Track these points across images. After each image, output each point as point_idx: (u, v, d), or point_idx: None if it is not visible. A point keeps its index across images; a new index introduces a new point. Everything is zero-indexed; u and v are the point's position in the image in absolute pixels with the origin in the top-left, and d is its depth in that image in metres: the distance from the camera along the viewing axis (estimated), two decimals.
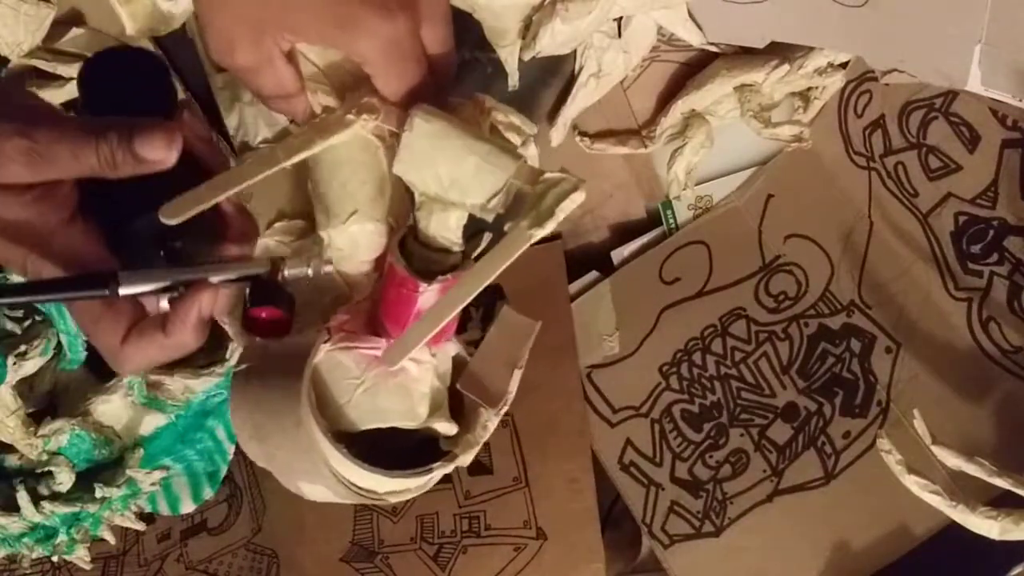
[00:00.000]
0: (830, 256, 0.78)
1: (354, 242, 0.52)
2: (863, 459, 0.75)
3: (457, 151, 0.46)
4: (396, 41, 0.47)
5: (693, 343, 0.82)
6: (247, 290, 0.48)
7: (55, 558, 0.89)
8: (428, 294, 0.48)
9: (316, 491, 0.53)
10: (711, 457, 0.79)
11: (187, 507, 0.90)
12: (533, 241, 0.45)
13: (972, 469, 0.61)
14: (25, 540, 0.84)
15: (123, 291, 0.45)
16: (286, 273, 0.49)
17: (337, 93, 0.50)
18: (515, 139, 0.50)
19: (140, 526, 0.89)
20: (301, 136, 0.49)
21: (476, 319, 0.71)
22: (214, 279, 0.47)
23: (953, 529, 0.63)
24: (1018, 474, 0.60)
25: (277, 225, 0.53)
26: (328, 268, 0.49)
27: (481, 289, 0.46)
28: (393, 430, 0.53)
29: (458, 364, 0.57)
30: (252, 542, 0.91)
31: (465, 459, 0.55)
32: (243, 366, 0.52)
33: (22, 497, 0.81)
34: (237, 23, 0.47)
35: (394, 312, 0.50)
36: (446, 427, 0.55)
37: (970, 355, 0.71)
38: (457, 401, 0.57)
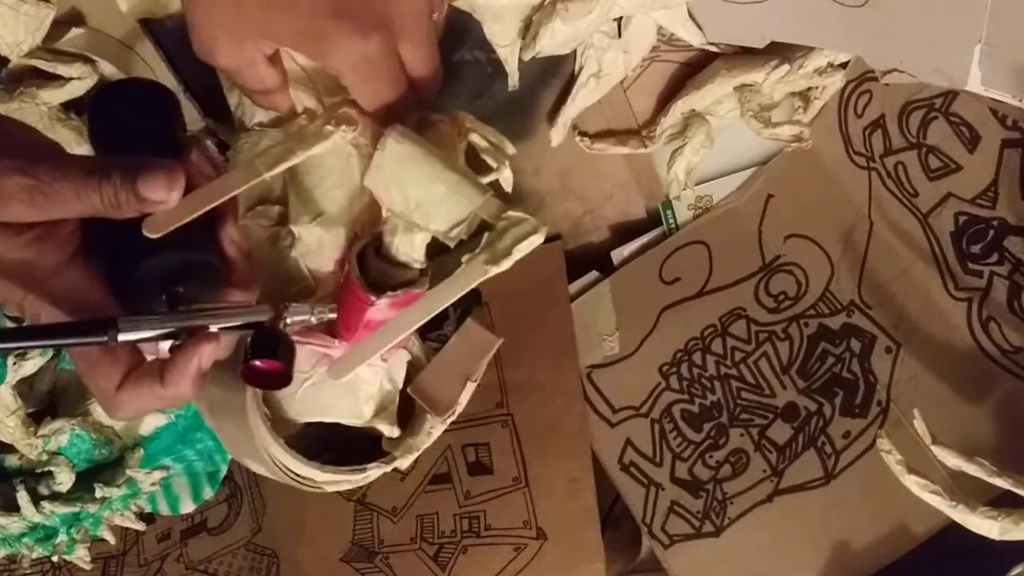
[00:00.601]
0: (830, 256, 0.78)
1: (320, 241, 0.53)
2: (863, 459, 0.74)
3: (425, 177, 0.47)
4: (368, 60, 0.48)
5: (693, 343, 0.82)
6: (248, 339, 0.47)
7: (55, 558, 0.89)
8: (379, 307, 0.49)
9: (262, 471, 0.55)
10: (711, 457, 0.79)
11: (187, 507, 0.90)
12: (487, 277, 0.46)
13: (972, 469, 0.61)
14: (25, 540, 0.84)
15: (122, 337, 0.44)
16: (288, 321, 0.48)
17: (319, 95, 0.51)
18: (492, 162, 0.51)
19: (140, 526, 0.89)
20: (281, 147, 0.50)
21: (453, 319, 0.71)
22: (215, 326, 0.46)
23: (953, 529, 0.63)
24: (1018, 474, 0.60)
25: (258, 208, 0.54)
26: (332, 316, 0.49)
27: (431, 317, 0.47)
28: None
29: (415, 367, 0.59)
30: (252, 542, 0.91)
31: (403, 462, 0.57)
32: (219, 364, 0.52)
33: (22, 497, 0.81)
34: (218, 27, 0.48)
35: (346, 317, 0.51)
36: (388, 429, 0.57)
37: (970, 355, 0.71)
38: (408, 405, 0.58)
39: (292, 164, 0.49)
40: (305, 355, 0.53)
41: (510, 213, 0.46)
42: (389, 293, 0.49)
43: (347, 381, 0.51)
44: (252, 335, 0.47)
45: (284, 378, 0.46)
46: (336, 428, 0.56)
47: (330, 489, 0.56)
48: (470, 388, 0.59)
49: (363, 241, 0.51)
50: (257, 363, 0.46)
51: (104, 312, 0.45)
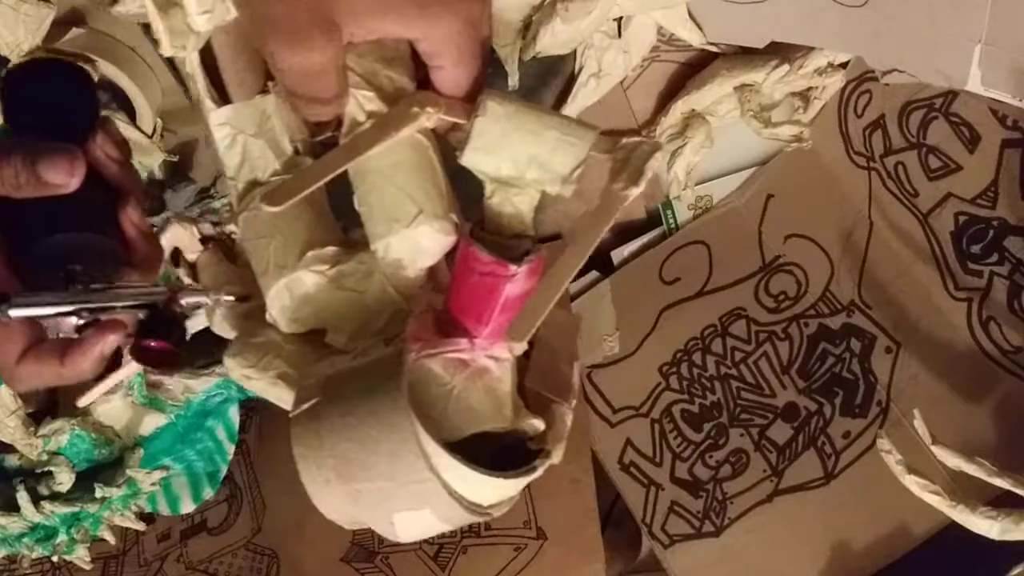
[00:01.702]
0: (830, 256, 0.78)
1: (416, 247, 0.50)
2: (863, 459, 0.74)
3: (533, 129, 0.46)
4: (474, 23, 0.47)
5: (693, 343, 0.82)
6: (139, 319, 0.48)
7: (55, 558, 0.89)
8: (517, 279, 0.46)
9: (415, 522, 0.48)
10: (711, 457, 0.79)
11: (187, 507, 0.90)
12: (628, 201, 0.45)
13: (972, 469, 0.61)
14: (25, 540, 0.84)
15: (15, 313, 0.45)
16: (183, 302, 0.48)
17: (383, 97, 0.49)
18: None
19: (140, 526, 0.89)
20: (373, 128, 0.48)
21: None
22: (108, 305, 0.47)
23: (953, 529, 0.63)
24: (1018, 474, 0.60)
25: (310, 255, 0.50)
26: (227, 298, 0.49)
27: (591, 252, 0.45)
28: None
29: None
30: (252, 542, 0.91)
31: (557, 455, 0.52)
32: (305, 406, 0.48)
33: (22, 497, 0.81)
34: (311, 14, 0.45)
35: (475, 305, 0.48)
36: (535, 424, 0.52)
37: (970, 355, 0.71)
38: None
39: (387, 144, 0.47)
40: (442, 366, 0.49)
41: (624, 141, 0.46)
42: (526, 259, 0.46)
43: (485, 384, 0.49)
44: (146, 315, 0.48)
45: (174, 357, 0.48)
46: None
47: (495, 514, 0.50)
48: (577, 368, 0.57)
49: (467, 226, 0.48)
50: (150, 343, 0.47)
51: (2, 287, 0.46)
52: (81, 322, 0.47)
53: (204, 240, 0.66)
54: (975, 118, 0.71)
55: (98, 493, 0.83)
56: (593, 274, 0.85)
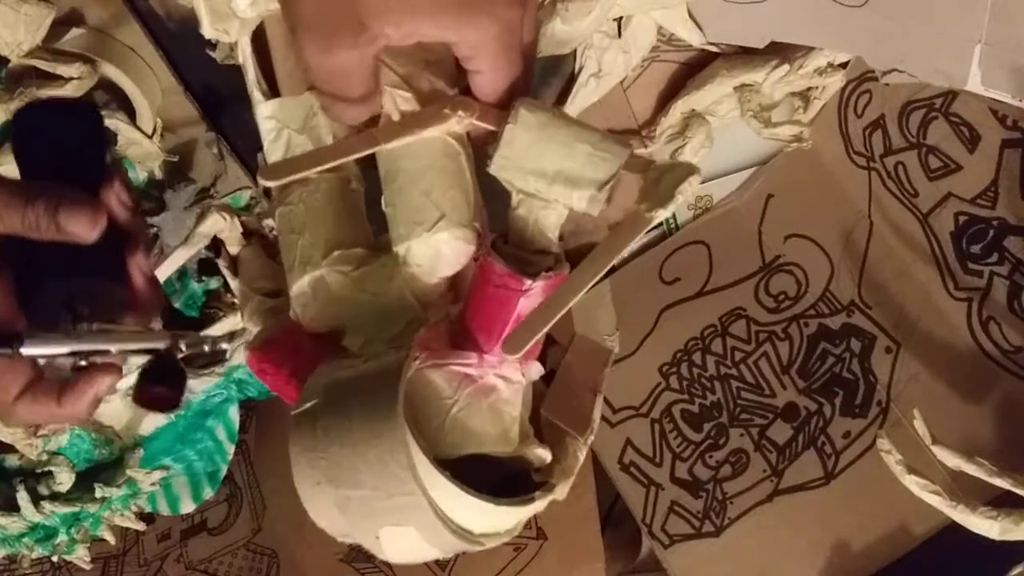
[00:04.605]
0: (830, 256, 0.78)
1: (436, 253, 0.48)
2: (863, 459, 0.74)
3: (564, 142, 0.44)
4: (512, 28, 0.46)
5: (693, 343, 0.82)
6: (143, 364, 0.50)
7: (55, 558, 0.89)
8: (532, 294, 0.45)
9: (400, 540, 0.46)
10: (711, 457, 0.79)
11: (187, 507, 0.90)
12: (652, 225, 0.43)
13: (972, 469, 0.61)
14: (25, 540, 0.84)
15: (25, 351, 0.46)
16: (184, 348, 0.50)
17: (419, 98, 0.48)
18: None
19: (140, 526, 0.89)
20: (397, 124, 0.47)
21: None
22: (115, 348, 0.49)
23: (953, 529, 0.63)
24: (1018, 474, 0.60)
25: (336, 254, 0.50)
26: (226, 346, 0.50)
27: (603, 274, 0.44)
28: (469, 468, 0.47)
29: (535, 392, 0.53)
30: (252, 542, 0.91)
31: (562, 491, 0.50)
32: (306, 405, 0.47)
33: (22, 497, 0.81)
34: (341, 14, 0.44)
35: (489, 318, 0.46)
36: (541, 454, 0.50)
37: (970, 355, 0.71)
38: (535, 432, 0.53)
39: (408, 140, 0.46)
40: (445, 378, 0.47)
41: (658, 163, 0.44)
42: (543, 274, 0.45)
43: (491, 403, 0.47)
44: (148, 361, 0.50)
45: (175, 401, 0.50)
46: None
47: (487, 544, 0.48)
48: (599, 402, 0.55)
49: (490, 237, 0.47)
50: (152, 387, 0.49)
51: (10, 324, 0.47)
52: (81, 363, 0.49)
53: (247, 234, 0.65)
54: (975, 118, 0.71)
55: (98, 493, 0.83)
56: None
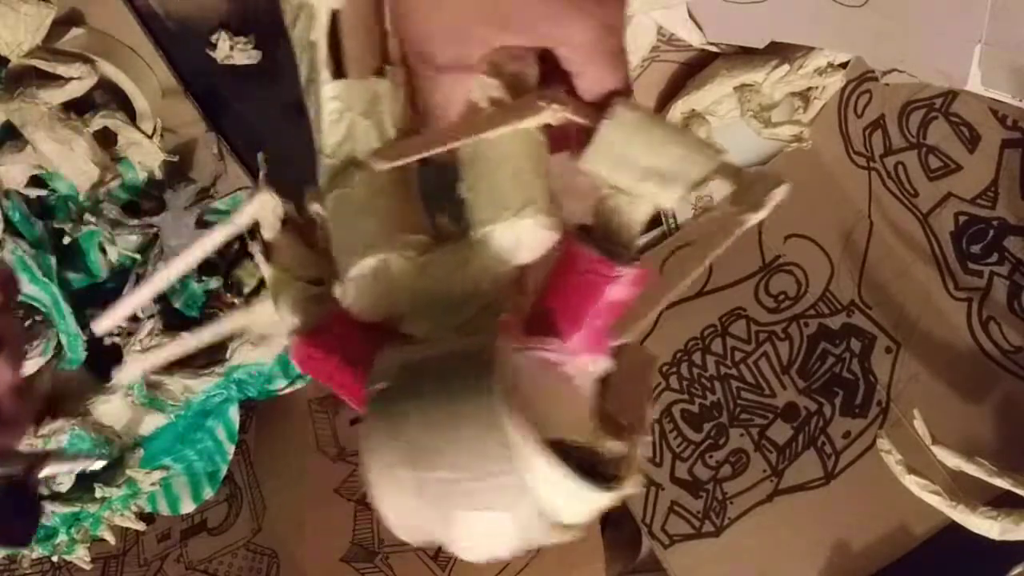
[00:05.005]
0: (830, 256, 0.78)
1: (519, 238, 0.48)
2: (863, 459, 0.74)
3: (659, 141, 0.45)
4: (614, 29, 0.46)
5: (693, 343, 0.82)
6: None
7: (55, 558, 0.89)
8: (620, 282, 0.46)
9: (482, 525, 0.45)
10: (711, 457, 0.79)
11: (187, 507, 0.90)
12: (747, 227, 0.44)
13: (972, 469, 0.61)
14: None
15: None
16: (45, 472, 0.46)
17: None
18: None
19: (140, 526, 0.89)
20: (496, 113, 0.47)
21: None
22: None
23: (953, 529, 0.63)
24: (1018, 474, 0.60)
25: (403, 238, 0.49)
26: (97, 465, 0.47)
27: (700, 271, 0.45)
28: None
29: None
30: (252, 542, 0.91)
31: (633, 485, 0.48)
32: (381, 385, 0.45)
33: None
34: (457, 18, 0.45)
35: (573, 305, 0.47)
36: (614, 446, 0.49)
37: (970, 355, 0.71)
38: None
39: (505, 130, 0.46)
40: (529, 363, 0.47)
41: (746, 171, 0.44)
42: (632, 263, 0.45)
43: (570, 391, 0.47)
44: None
45: (23, 540, 0.46)
46: None
47: (566, 538, 0.46)
48: (651, 406, 0.55)
49: (574, 224, 0.48)
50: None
51: None
52: None
53: (282, 221, 0.64)
54: (975, 118, 0.71)
55: (98, 493, 0.83)
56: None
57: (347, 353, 0.49)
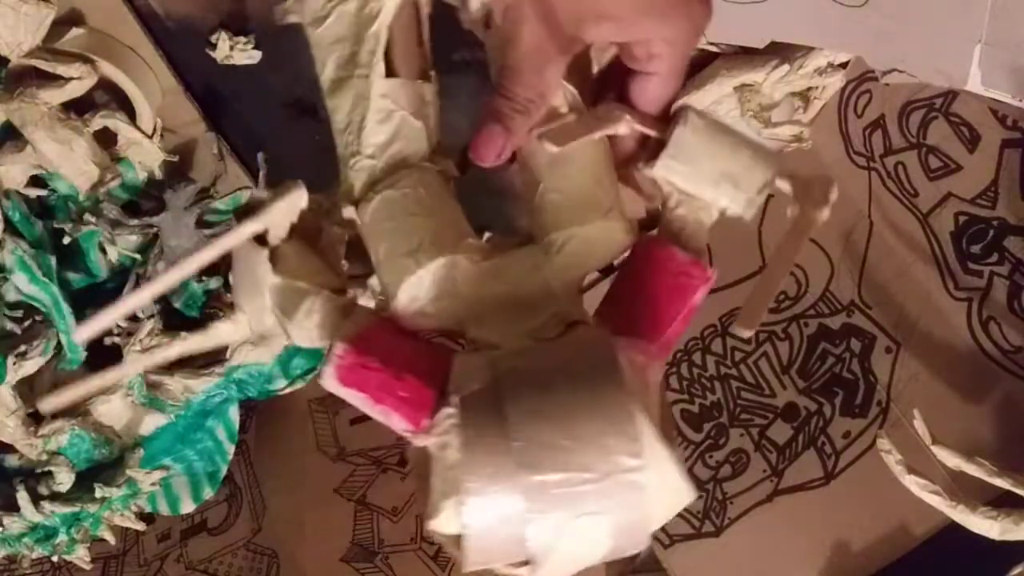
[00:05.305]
0: (830, 256, 0.78)
1: (596, 243, 0.49)
2: (863, 459, 0.74)
3: (730, 145, 0.46)
4: (699, 31, 0.46)
5: (693, 343, 0.82)
6: None
7: (55, 558, 0.89)
8: (706, 288, 0.46)
9: (584, 532, 0.43)
10: (711, 457, 0.79)
11: (187, 507, 0.90)
12: (820, 223, 0.46)
13: (972, 469, 0.61)
14: (25, 540, 0.84)
15: None
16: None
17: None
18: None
19: (140, 526, 0.89)
20: (571, 124, 0.47)
21: None
22: None
23: (953, 529, 0.63)
24: (1018, 474, 0.60)
25: (468, 241, 0.48)
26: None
27: (788, 272, 0.48)
28: None
29: None
30: (252, 542, 0.91)
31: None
32: (476, 386, 0.43)
33: (22, 497, 0.81)
34: (557, 28, 0.45)
35: (660, 308, 0.46)
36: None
37: (970, 355, 0.71)
38: None
39: (586, 139, 0.47)
40: (627, 362, 0.46)
41: (799, 174, 0.47)
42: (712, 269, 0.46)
43: (652, 390, 0.46)
44: None
45: None
46: None
47: (640, 547, 0.47)
48: (672, 421, 0.56)
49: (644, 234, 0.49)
50: None
51: None
52: None
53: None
54: (975, 118, 0.71)
55: (98, 493, 0.83)
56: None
57: (399, 362, 0.46)
